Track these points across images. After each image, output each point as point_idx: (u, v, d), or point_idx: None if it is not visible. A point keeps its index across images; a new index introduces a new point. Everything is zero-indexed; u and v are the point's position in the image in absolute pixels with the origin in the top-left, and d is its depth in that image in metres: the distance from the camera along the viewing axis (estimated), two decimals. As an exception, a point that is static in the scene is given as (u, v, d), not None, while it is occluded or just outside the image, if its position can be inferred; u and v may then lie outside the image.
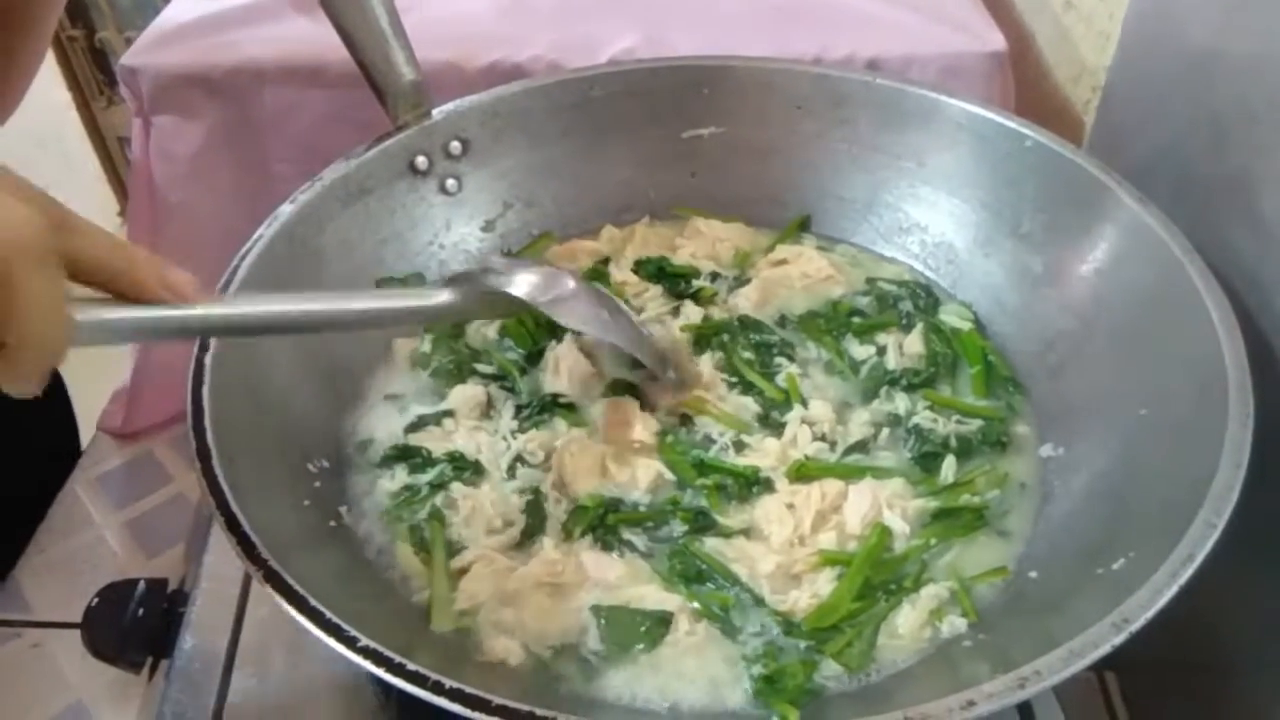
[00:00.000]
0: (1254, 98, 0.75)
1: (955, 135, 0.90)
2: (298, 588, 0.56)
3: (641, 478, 0.77)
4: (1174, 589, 0.55)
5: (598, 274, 0.95)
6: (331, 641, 0.54)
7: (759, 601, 0.68)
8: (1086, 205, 0.82)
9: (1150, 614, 0.54)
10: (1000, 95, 1.13)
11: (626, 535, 0.73)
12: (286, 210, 0.82)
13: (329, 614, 0.55)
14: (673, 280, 0.94)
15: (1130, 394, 0.74)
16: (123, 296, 0.53)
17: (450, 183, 0.94)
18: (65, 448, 1.27)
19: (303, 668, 0.73)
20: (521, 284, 0.71)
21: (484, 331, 0.90)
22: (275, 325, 0.65)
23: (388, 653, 0.53)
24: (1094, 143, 1.06)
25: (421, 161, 0.92)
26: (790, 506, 0.73)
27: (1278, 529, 0.71)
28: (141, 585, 0.81)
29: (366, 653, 0.54)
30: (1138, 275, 0.77)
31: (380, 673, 0.53)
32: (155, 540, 1.13)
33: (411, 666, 0.53)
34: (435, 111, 0.91)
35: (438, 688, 0.52)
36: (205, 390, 0.68)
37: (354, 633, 0.54)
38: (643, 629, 0.66)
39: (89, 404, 1.29)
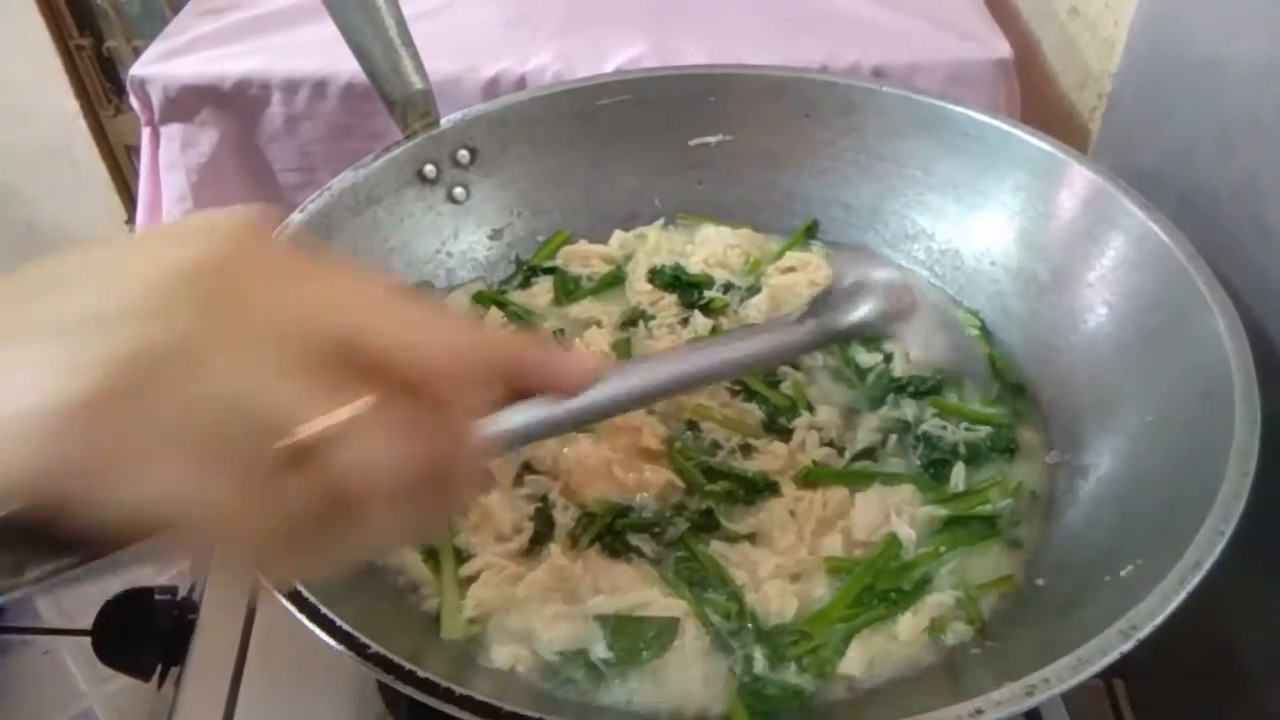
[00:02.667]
0: (1261, 105, 0.75)
1: (961, 143, 0.90)
2: (307, 595, 0.57)
3: (650, 484, 0.77)
4: (1182, 596, 0.54)
5: (615, 279, 0.95)
6: (341, 649, 0.54)
7: (742, 606, 0.68)
8: (1092, 212, 0.82)
9: (1158, 621, 0.54)
10: (1006, 102, 1.14)
11: (634, 541, 0.73)
12: (295, 219, 0.83)
13: (339, 621, 0.55)
14: (687, 290, 0.95)
15: (1137, 401, 0.74)
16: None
17: (458, 191, 0.95)
18: None
19: (312, 675, 0.74)
20: (873, 311, 0.63)
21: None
22: (655, 394, 0.55)
23: (397, 659, 0.54)
24: (1100, 150, 1.07)
25: (430, 170, 0.92)
26: (793, 513, 0.73)
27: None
28: (151, 593, 0.82)
29: (376, 660, 0.54)
30: (1144, 282, 0.77)
31: (390, 680, 0.53)
32: (165, 548, 1.14)
33: (421, 674, 0.53)
34: (443, 121, 0.92)
35: (448, 695, 0.52)
36: (216, 399, 0.69)
37: (364, 640, 0.55)
38: (650, 635, 0.66)
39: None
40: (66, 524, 0.31)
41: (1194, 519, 0.58)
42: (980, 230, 0.91)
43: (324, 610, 0.56)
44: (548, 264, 0.97)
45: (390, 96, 0.88)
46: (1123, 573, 0.61)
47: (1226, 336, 0.67)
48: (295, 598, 0.56)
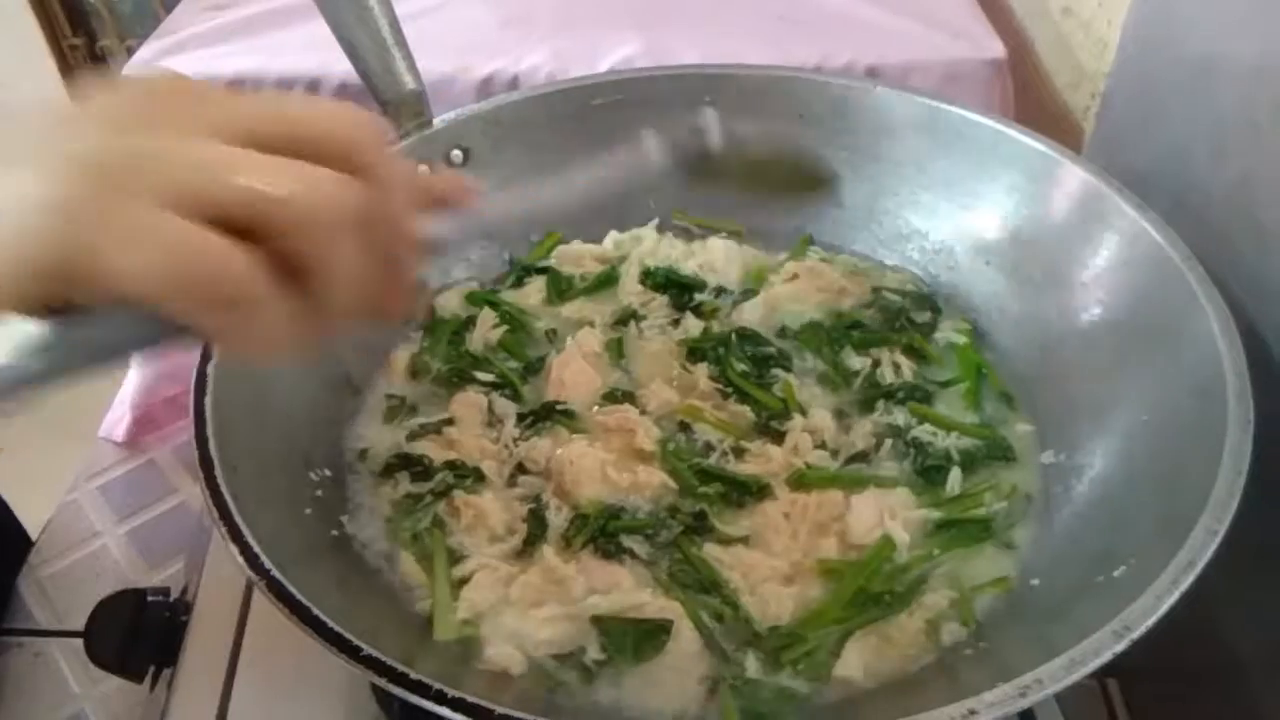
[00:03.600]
0: (1256, 105, 0.75)
1: (955, 142, 0.90)
2: (300, 597, 0.57)
3: (644, 485, 0.77)
4: (1175, 596, 0.55)
5: (609, 279, 0.95)
6: (333, 651, 0.54)
7: (735, 609, 0.68)
8: (1086, 212, 0.82)
9: (1152, 621, 0.54)
10: (1000, 102, 1.14)
11: (627, 543, 0.73)
12: (287, 220, 0.82)
13: (331, 623, 0.55)
14: (678, 291, 0.95)
15: (1131, 401, 0.74)
16: None
17: (452, 191, 0.94)
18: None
19: (305, 678, 0.74)
20: None
21: (486, 337, 0.90)
22: None
23: (390, 662, 0.53)
24: (1093, 149, 1.06)
25: (423, 170, 0.92)
26: (787, 516, 0.73)
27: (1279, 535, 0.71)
28: (144, 595, 0.81)
29: (369, 662, 0.54)
30: (1137, 282, 0.77)
31: (382, 682, 0.53)
32: (157, 549, 1.13)
33: (414, 675, 0.53)
34: (436, 120, 0.92)
35: (440, 696, 0.52)
36: (208, 400, 0.68)
37: (356, 642, 0.55)
38: (643, 638, 0.66)
39: (90, 412, 1.29)
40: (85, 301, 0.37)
41: (1188, 519, 0.58)
42: (974, 230, 0.91)
43: (315, 612, 0.56)
44: (541, 264, 0.97)
45: (383, 96, 0.88)
46: (1116, 573, 0.61)
47: (1220, 336, 0.67)
48: (286, 599, 0.56)
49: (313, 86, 1.12)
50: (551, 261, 0.97)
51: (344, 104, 0.41)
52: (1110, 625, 0.54)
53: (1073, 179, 0.83)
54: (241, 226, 0.36)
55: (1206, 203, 0.80)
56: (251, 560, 0.59)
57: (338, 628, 0.55)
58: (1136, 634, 0.53)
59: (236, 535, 0.61)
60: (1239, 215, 0.76)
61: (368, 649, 0.54)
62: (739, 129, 0.52)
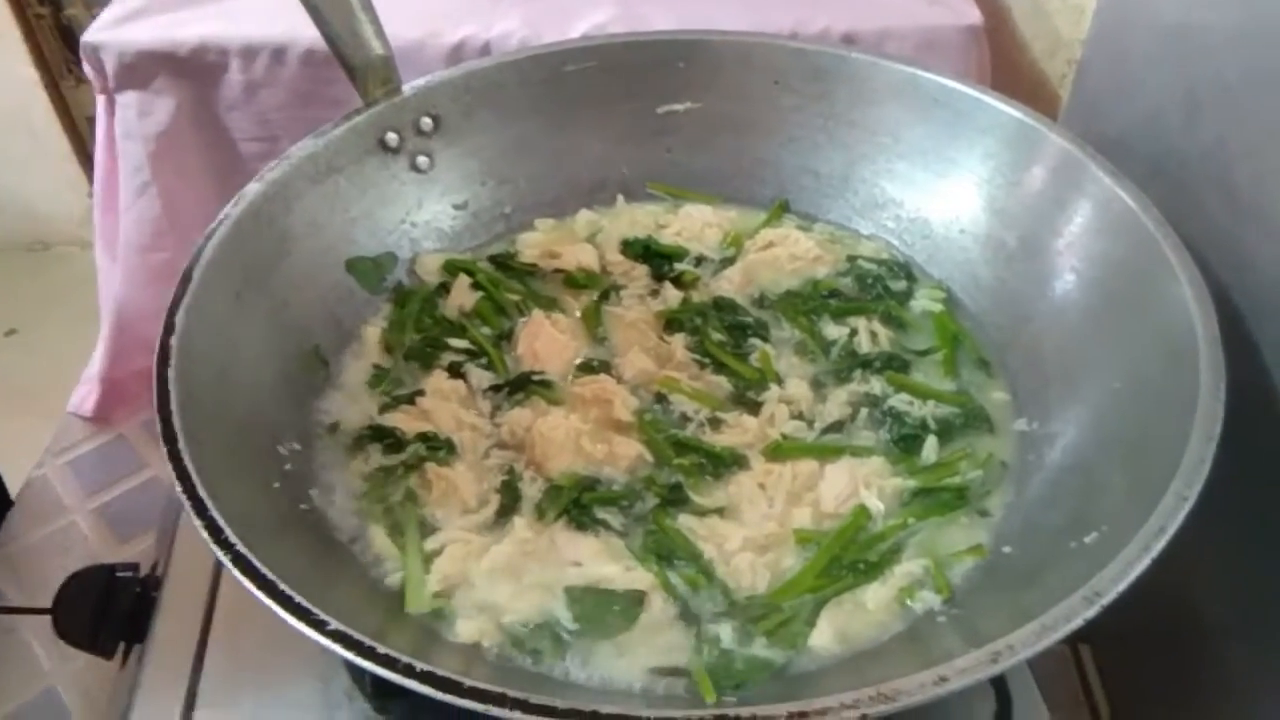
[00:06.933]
0: (1229, 69, 0.74)
1: (930, 109, 0.89)
2: (266, 572, 0.56)
3: (620, 456, 0.76)
4: (1146, 562, 0.55)
5: (589, 278, 0.92)
6: (301, 626, 0.53)
7: (712, 579, 0.68)
8: (1060, 179, 0.82)
9: (1122, 587, 0.54)
10: (976, 69, 1.13)
11: (601, 514, 0.72)
12: (253, 189, 0.81)
13: (298, 598, 0.54)
14: (658, 261, 0.94)
15: (1104, 367, 0.74)
16: None
17: (421, 160, 0.93)
18: None
19: (276, 652, 0.73)
20: None
21: (459, 304, 0.89)
22: None
23: (358, 636, 0.53)
24: (1069, 116, 1.06)
25: (392, 138, 0.90)
26: (762, 486, 0.73)
27: (1250, 499, 0.72)
28: (112, 571, 0.80)
29: (337, 636, 0.53)
30: (1111, 249, 0.77)
31: (351, 656, 0.52)
32: (127, 525, 1.12)
33: (383, 650, 0.52)
34: (405, 87, 0.90)
35: (409, 670, 0.52)
36: (171, 372, 0.67)
37: (324, 616, 0.54)
38: (616, 608, 0.66)
39: (59, 387, 1.27)
40: None
41: (1159, 485, 0.58)
42: (949, 197, 0.91)
43: (283, 587, 0.55)
44: (521, 262, 0.94)
45: (350, 62, 0.86)
46: (1088, 539, 0.61)
47: (1192, 302, 0.67)
48: (252, 574, 0.55)
49: (279, 53, 1.10)
50: (531, 259, 0.94)
51: None
52: (1081, 591, 0.54)
53: (1048, 146, 0.83)
54: None
55: (1181, 168, 0.80)
56: (216, 535, 0.58)
57: (305, 602, 0.54)
58: (1107, 599, 0.53)
59: (201, 510, 0.59)
60: (1213, 181, 0.76)
61: (335, 624, 0.53)
62: None
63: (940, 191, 0.91)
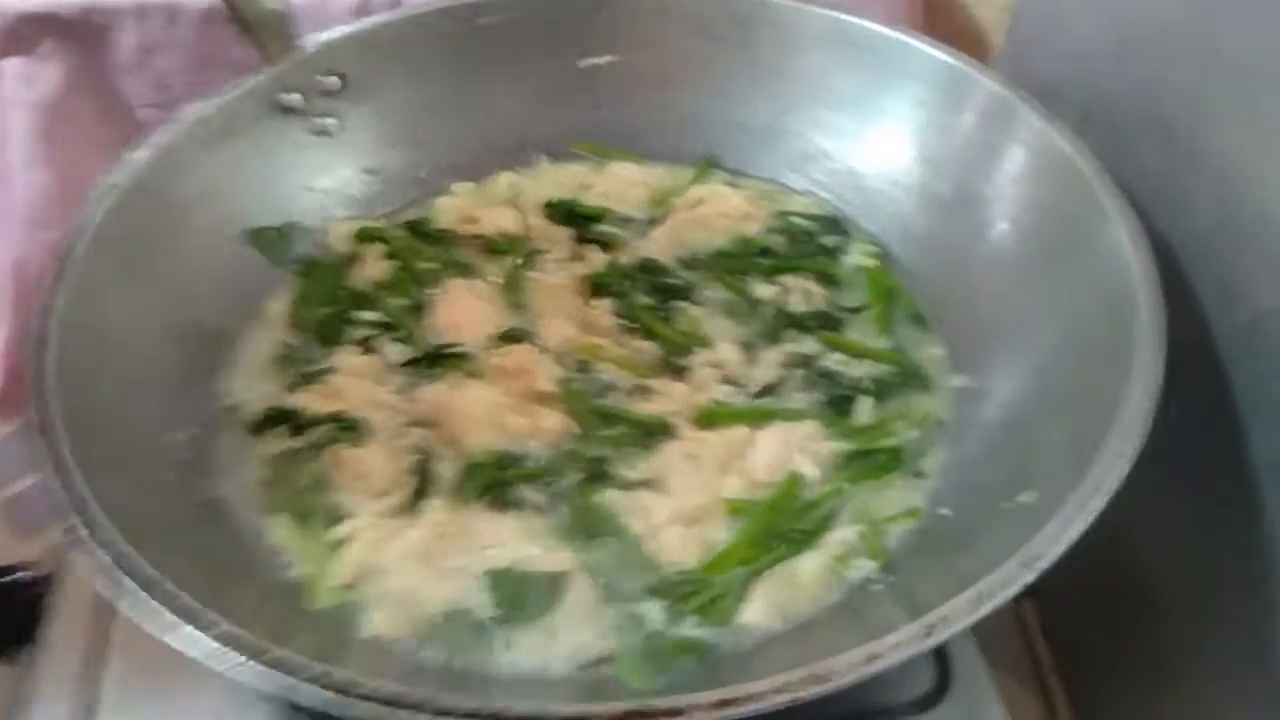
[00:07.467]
0: (1172, 6, 0.71)
1: (858, 56, 0.86)
2: (148, 567, 0.52)
3: (543, 430, 0.72)
4: (1083, 523, 0.52)
5: (509, 243, 0.88)
6: (183, 631, 0.49)
7: (639, 556, 0.65)
8: (993, 125, 0.79)
9: (1060, 550, 0.52)
10: (907, 14, 1.09)
11: (522, 492, 0.68)
12: (139, 157, 0.75)
13: (179, 592, 0.50)
14: (582, 222, 0.89)
15: (1042, 319, 0.72)
16: None
17: (328, 122, 0.88)
18: None
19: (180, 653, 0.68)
20: None
21: (371, 274, 0.84)
22: None
23: (248, 636, 0.49)
24: (1002, 63, 1.03)
25: (294, 99, 0.85)
26: (691, 457, 0.70)
27: (1192, 451, 0.70)
28: (8, 570, 0.76)
29: (226, 639, 0.49)
30: (1045, 196, 0.75)
31: (241, 660, 0.48)
32: (31, 521, 1.06)
33: (276, 652, 0.48)
34: (306, 43, 0.84)
35: (309, 675, 0.48)
36: (49, 357, 0.63)
37: (213, 616, 0.50)
38: (536, 591, 0.62)
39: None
40: None
41: (1096, 441, 0.56)
42: (880, 147, 0.88)
43: (168, 585, 0.51)
44: (437, 229, 0.89)
45: (243, 17, 0.80)
46: (1025, 498, 0.59)
47: (1129, 246, 0.65)
48: (131, 572, 0.51)
49: (172, 12, 1.03)
50: (449, 225, 0.89)
51: None
52: (1018, 555, 0.51)
53: (978, 90, 0.80)
54: None
55: (1114, 111, 0.77)
56: (95, 531, 0.54)
57: (192, 601, 0.50)
58: (1045, 564, 0.51)
59: (81, 505, 0.55)
60: (1147, 121, 0.73)
61: (225, 624, 0.49)
62: None
63: (871, 141, 0.88)
